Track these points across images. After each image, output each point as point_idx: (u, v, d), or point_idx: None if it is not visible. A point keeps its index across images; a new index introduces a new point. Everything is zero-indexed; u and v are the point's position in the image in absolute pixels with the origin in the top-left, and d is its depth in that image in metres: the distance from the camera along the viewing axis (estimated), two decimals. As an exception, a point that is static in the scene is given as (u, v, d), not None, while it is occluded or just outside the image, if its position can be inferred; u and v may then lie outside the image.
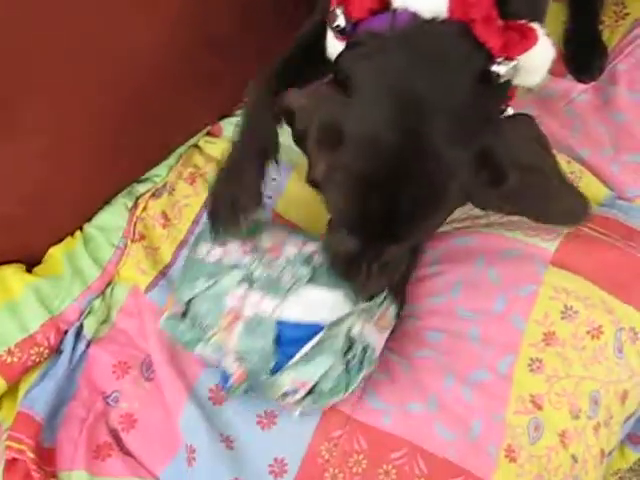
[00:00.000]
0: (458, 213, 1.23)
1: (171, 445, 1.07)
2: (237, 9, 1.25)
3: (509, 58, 0.92)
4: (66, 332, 1.17)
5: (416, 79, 0.88)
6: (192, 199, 1.29)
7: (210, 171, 1.31)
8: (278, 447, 1.04)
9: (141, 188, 1.31)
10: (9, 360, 1.11)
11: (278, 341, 1.01)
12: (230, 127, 1.36)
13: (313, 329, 1.02)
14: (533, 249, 1.18)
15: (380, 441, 1.04)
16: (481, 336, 1.12)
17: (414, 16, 0.91)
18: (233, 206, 1.04)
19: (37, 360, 1.13)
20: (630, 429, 1.36)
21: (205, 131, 1.36)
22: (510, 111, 1.01)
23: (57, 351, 1.16)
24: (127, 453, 1.08)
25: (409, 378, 1.09)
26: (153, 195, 1.30)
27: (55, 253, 1.23)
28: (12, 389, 1.12)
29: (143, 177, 1.32)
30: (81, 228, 1.27)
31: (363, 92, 0.90)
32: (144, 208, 1.29)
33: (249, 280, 1.04)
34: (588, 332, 1.12)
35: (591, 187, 1.27)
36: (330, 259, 1.02)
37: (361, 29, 0.95)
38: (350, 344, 1.03)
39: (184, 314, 1.08)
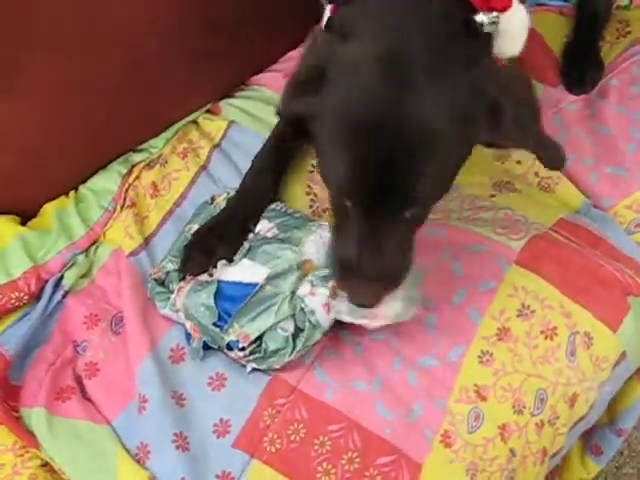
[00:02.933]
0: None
1: (126, 394, 1.13)
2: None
3: (490, 9, 0.95)
4: (47, 282, 1.24)
5: (402, 27, 0.90)
6: (182, 173, 1.35)
7: (203, 146, 1.37)
8: (224, 408, 1.10)
9: (137, 157, 1.38)
10: (-10, 301, 1.19)
11: (218, 296, 1.10)
12: (229, 107, 1.42)
13: (252, 287, 1.10)
14: (499, 247, 1.21)
15: (320, 413, 1.08)
16: (437, 324, 1.15)
17: None
18: (208, 255, 1.17)
19: (16, 304, 1.21)
20: (592, 439, 1.39)
21: (205, 109, 1.43)
22: None
23: (37, 298, 1.23)
24: (87, 399, 1.14)
25: (359, 357, 1.13)
26: (147, 165, 1.37)
27: (48, 209, 1.31)
28: (-10, 328, 1.20)
29: (140, 147, 1.38)
30: (76, 189, 1.34)
31: (354, 37, 0.91)
32: (137, 177, 1.36)
33: None
34: (542, 332, 1.15)
35: (567, 193, 1.31)
36: (336, 265, 0.99)
37: None
38: (296, 309, 1.09)
39: (163, 281, 1.20)
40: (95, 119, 1.28)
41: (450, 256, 1.20)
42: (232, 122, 1.40)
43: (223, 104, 1.43)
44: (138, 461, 1.07)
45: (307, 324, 1.08)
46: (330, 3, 1.01)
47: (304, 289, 1.10)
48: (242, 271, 1.14)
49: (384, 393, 1.09)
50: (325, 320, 1.09)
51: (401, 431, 1.07)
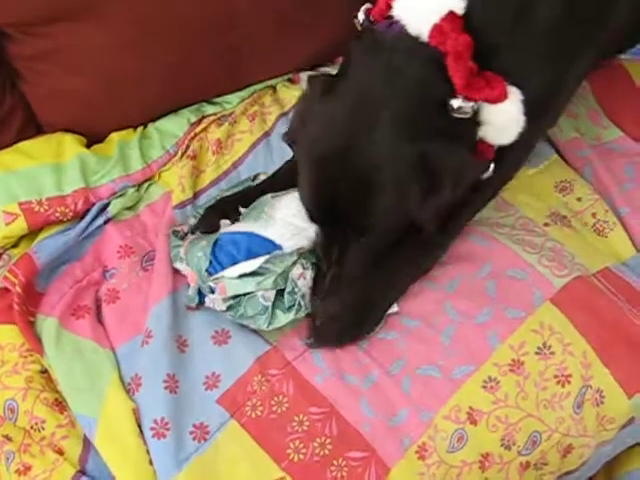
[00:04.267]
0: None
1: (136, 328, 1.16)
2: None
3: (469, 98, 1.02)
4: (94, 205, 1.28)
5: (382, 84, 1.03)
6: (246, 135, 1.37)
7: (272, 112, 1.39)
8: (220, 363, 1.12)
9: (209, 109, 1.41)
10: (37, 209, 1.24)
11: (216, 246, 1.14)
12: (309, 79, 1.43)
13: (250, 237, 1.14)
14: (540, 280, 1.18)
15: (306, 393, 1.09)
16: (453, 337, 1.13)
17: (402, 29, 1.05)
18: (224, 218, 1.23)
19: (60, 218, 1.26)
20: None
21: (286, 77, 1.45)
22: (491, 169, 1.13)
23: (80, 218, 1.28)
24: (100, 322, 1.19)
25: (360, 351, 1.13)
26: (218, 120, 1.40)
27: (113, 137, 1.36)
28: (32, 235, 1.26)
29: (214, 100, 1.41)
30: (145, 126, 1.39)
31: (340, 83, 1.07)
32: (204, 129, 1.39)
33: None
34: (555, 376, 1.12)
35: (619, 241, 1.26)
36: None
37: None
38: (286, 286, 1.11)
39: (183, 235, 1.24)
40: (173, 62, 1.32)
41: (488, 274, 1.19)
42: (307, 94, 1.42)
43: (304, 75, 1.44)
44: (128, 391, 1.11)
45: (296, 305, 1.10)
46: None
47: (296, 271, 1.12)
48: (239, 226, 1.18)
49: (372, 392, 1.09)
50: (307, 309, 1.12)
51: (379, 432, 1.06)
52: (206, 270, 1.14)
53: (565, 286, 1.17)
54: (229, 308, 1.12)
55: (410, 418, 1.07)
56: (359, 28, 1.12)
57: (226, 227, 1.20)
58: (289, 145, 1.19)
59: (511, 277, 1.18)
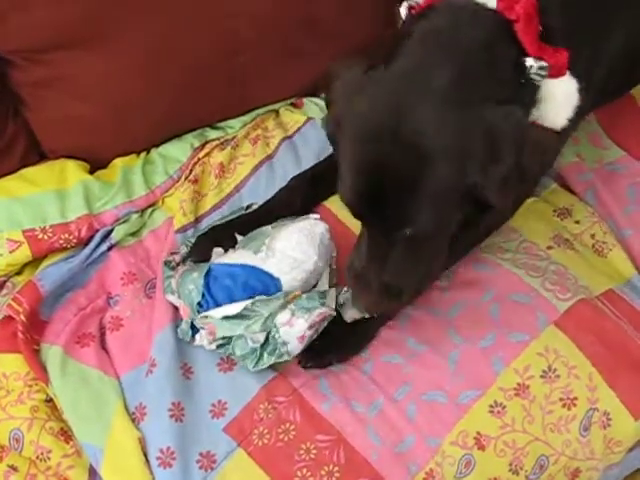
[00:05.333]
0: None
1: (141, 356, 1.16)
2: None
3: (540, 59, 0.99)
4: (97, 231, 1.28)
5: (442, 52, 0.96)
6: (248, 158, 1.37)
7: (275, 135, 1.39)
8: (226, 391, 1.12)
9: (212, 134, 1.41)
10: (40, 236, 1.24)
11: (208, 278, 1.13)
12: (312, 104, 1.43)
13: (248, 270, 1.13)
14: (544, 303, 1.18)
15: (313, 421, 1.09)
16: (458, 362, 1.13)
17: None
18: (216, 247, 1.20)
19: (64, 245, 1.26)
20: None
21: (289, 101, 1.45)
22: None
23: (84, 245, 1.28)
24: (104, 350, 1.18)
25: (365, 377, 1.13)
26: (220, 144, 1.40)
27: (117, 163, 1.36)
28: (36, 262, 1.26)
29: (217, 125, 1.42)
30: (148, 152, 1.39)
31: (398, 55, 0.98)
32: (208, 154, 1.39)
33: None
34: (561, 399, 1.12)
35: (619, 261, 1.27)
36: (349, 267, 1.07)
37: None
38: (270, 331, 1.09)
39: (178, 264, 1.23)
40: (178, 90, 1.32)
41: (492, 298, 1.19)
42: (310, 118, 1.42)
43: (307, 100, 1.44)
44: (133, 420, 1.10)
45: (277, 351, 1.09)
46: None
47: (283, 317, 1.09)
48: (235, 257, 1.17)
49: (378, 420, 1.09)
50: (297, 350, 1.10)
51: (386, 459, 1.06)
52: (198, 303, 1.13)
53: (569, 309, 1.17)
54: (218, 347, 1.11)
55: (416, 444, 1.07)
56: (399, 25, 1.08)
57: (219, 256, 1.18)
58: (329, 138, 1.08)
59: (515, 301, 1.18)
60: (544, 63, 0.99)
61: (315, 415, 1.09)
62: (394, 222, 0.97)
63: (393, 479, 1.05)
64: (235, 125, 1.42)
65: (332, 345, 1.13)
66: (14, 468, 1.10)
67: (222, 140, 1.41)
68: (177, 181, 1.36)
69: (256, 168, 1.36)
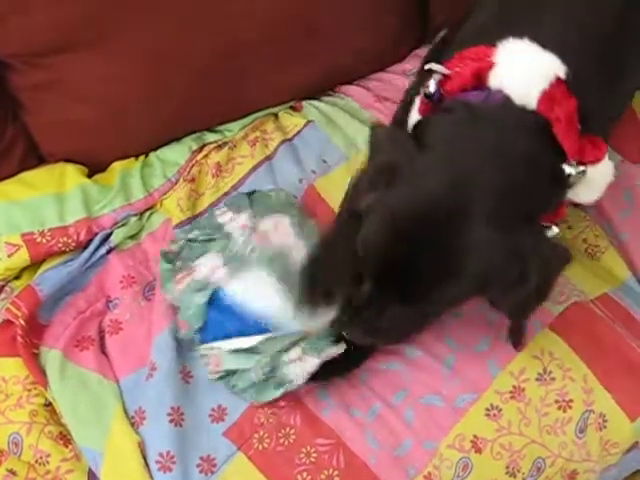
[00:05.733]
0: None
1: (140, 359, 1.16)
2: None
3: (580, 163, 0.96)
4: (96, 235, 1.28)
5: (487, 158, 0.92)
6: (247, 159, 1.37)
7: (274, 138, 1.39)
8: (226, 396, 1.12)
9: (210, 137, 1.41)
10: (39, 240, 1.24)
11: (211, 303, 1.13)
12: (311, 108, 1.43)
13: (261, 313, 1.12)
14: None
15: (313, 425, 1.10)
16: (454, 366, 1.14)
17: (507, 99, 0.96)
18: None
19: (63, 249, 1.26)
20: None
21: (288, 105, 1.45)
22: (555, 230, 1.01)
23: (83, 248, 1.28)
24: (104, 353, 1.19)
25: (363, 384, 1.14)
26: (219, 146, 1.40)
27: (115, 167, 1.36)
28: (34, 267, 1.26)
29: (216, 128, 1.42)
30: (146, 155, 1.39)
31: (434, 151, 0.94)
32: (206, 156, 1.39)
33: (225, 250, 1.17)
34: (557, 401, 1.13)
35: (613, 263, 1.27)
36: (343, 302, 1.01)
37: (451, 100, 0.99)
38: (275, 366, 1.09)
39: (172, 259, 1.22)
40: (177, 94, 1.32)
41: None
42: (310, 121, 1.42)
43: (306, 103, 1.45)
44: (133, 424, 1.11)
45: (284, 385, 1.08)
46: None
47: (293, 354, 1.09)
48: (242, 284, 1.15)
49: (376, 424, 1.10)
50: (302, 382, 1.09)
51: (385, 463, 1.07)
52: (199, 328, 1.13)
53: (563, 312, 1.18)
54: (219, 378, 1.11)
55: (414, 448, 1.08)
56: (426, 100, 1.02)
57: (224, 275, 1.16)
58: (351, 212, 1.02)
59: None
60: (583, 168, 0.96)
61: (315, 419, 1.10)
62: (409, 298, 0.94)
63: (392, 482, 1.06)
64: (234, 128, 1.42)
65: (333, 365, 1.12)
66: (13, 472, 1.10)
67: (220, 143, 1.41)
68: (175, 184, 1.36)
69: (255, 168, 1.36)
